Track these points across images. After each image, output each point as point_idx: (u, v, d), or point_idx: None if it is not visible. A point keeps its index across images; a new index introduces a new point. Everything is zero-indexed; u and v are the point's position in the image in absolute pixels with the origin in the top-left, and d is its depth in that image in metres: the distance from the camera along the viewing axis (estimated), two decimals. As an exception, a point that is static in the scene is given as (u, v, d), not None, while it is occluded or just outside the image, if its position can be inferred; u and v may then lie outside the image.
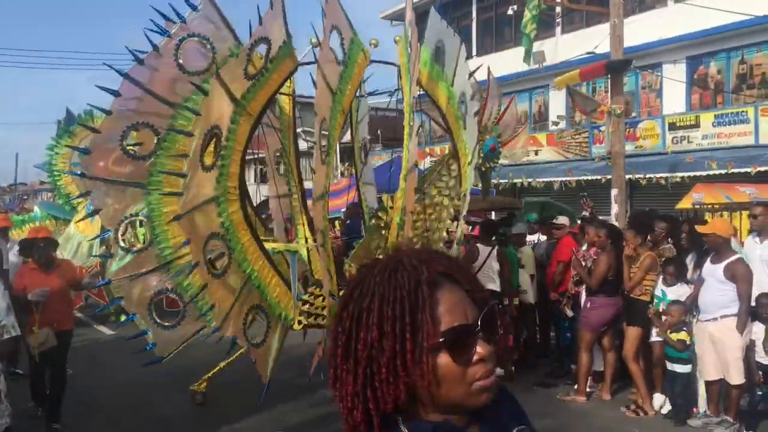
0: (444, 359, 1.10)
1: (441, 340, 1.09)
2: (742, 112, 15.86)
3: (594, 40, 16.74)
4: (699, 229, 6.57)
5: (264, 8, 5.30)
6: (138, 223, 5.79)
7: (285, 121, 7.53)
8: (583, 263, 7.38)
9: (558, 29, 21.09)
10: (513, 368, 8.05)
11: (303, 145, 9.13)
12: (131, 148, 5.55)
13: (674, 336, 6.43)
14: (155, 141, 5.56)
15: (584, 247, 7.73)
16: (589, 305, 7.19)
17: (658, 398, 6.77)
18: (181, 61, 5.52)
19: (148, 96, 5.57)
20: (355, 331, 1.12)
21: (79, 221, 11.26)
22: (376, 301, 1.12)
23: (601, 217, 10.79)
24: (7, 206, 35.47)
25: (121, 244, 5.72)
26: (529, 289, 8.56)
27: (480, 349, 1.11)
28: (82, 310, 11.84)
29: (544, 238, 9.86)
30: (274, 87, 5.60)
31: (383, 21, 27.20)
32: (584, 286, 7.40)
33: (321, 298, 5.81)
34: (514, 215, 11.70)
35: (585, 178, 17.24)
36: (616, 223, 9.95)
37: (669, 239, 7.24)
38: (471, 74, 6.84)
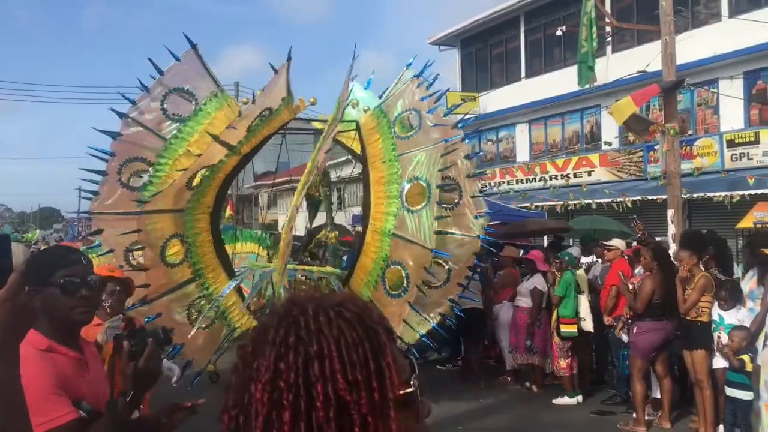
0: (405, 415, 0.92)
1: (411, 390, 0.93)
2: (805, 126, 15.34)
3: (646, 57, 16.43)
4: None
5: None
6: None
7: None
8: (631, 287, 7.21)
9: (608, 48, 20.82)
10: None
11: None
12: (129, 181, 6.21)
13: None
14: (149, 172, 6.24)
15: (637, 270, 7.54)
16: (635, 330, 7.01)
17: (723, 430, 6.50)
18: (166, 107, 6.36)
19: (140, 133, 6.30)
20: (304, 386, 0.88)
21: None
22: (332, 346, 0.90)
23: (658, 239, 10.54)
24: (69, 238, 36.56)
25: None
26: (587, 316, 8.33)
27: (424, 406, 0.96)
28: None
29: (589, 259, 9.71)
30: (264, 134, 6.65)
31: (431, 46, 27.38)
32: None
33: None
34: (562, 238, 11.51)
35: (641, 198, 16.89)
36: (672, 245, 9.70)
37: (716, 262, 6.96)
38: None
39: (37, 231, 30.52)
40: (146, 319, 5.71)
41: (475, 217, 6.79)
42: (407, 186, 6.43)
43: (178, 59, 6.41)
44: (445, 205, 6.64)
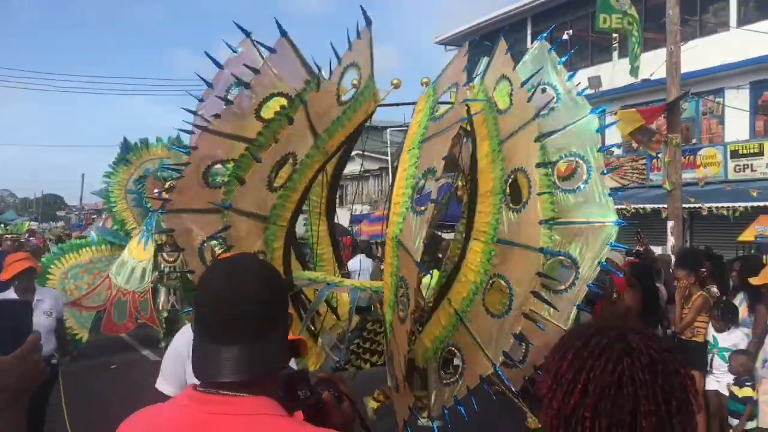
0: None
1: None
2: (810, 139, 15.20)
3: (652, 64, 16.33)
4: (752, 281, 6.05)
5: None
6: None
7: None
8: None
9: (615, 54, 20.71)
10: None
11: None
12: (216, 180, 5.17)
13: (738, 391, 6.02)
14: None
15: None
16: None
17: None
18: (253, 101, 4.87)
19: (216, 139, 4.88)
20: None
21: (133, 247, 11.52)
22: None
23: (658, 250, 10.45)
24: (72, 227, 36.48)
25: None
26: None
27: None
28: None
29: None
30: (351, 128, 5.18)
31: (437, 46, 27.27)
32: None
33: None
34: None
35: (643, 206, 16.75)
36: (672, 257, 9.59)
37: (713, 280, 6.85)
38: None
39: (27, 223, 28.14)
40: None
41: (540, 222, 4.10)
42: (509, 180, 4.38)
43: (273, 50, 4.77)
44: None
